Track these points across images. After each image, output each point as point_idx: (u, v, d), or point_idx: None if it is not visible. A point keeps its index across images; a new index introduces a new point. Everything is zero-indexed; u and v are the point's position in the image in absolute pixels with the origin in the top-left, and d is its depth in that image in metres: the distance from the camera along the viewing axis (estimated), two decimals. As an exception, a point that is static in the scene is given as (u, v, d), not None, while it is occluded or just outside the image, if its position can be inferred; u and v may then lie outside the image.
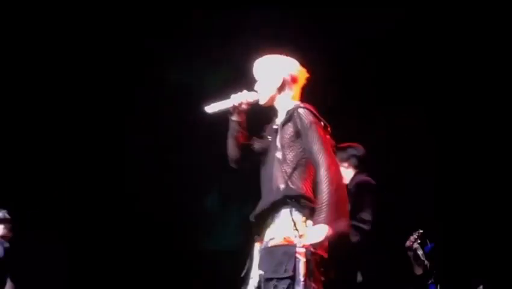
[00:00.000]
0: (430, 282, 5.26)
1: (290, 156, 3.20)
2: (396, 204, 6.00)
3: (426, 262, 5.26)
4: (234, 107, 3.37)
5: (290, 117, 3.25)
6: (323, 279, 3.06)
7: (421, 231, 5.32)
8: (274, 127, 3.33)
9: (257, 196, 3.33)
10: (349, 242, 4.35)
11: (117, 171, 7.18)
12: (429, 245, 5.33)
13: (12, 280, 5.81)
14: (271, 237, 3.15)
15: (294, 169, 3.17)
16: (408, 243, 5.31)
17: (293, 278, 2.99)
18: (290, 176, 3.16)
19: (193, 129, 6.42)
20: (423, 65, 6.36)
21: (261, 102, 3.40)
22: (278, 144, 3.23)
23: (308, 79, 3.42)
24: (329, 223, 2.96)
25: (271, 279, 3.06)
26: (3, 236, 5.90)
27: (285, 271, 3.01)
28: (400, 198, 6.15)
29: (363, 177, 4.73)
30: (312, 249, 3.02)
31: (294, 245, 3.05)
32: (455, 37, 6.26)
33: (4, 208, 5.96)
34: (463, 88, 6.32)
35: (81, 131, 7.16)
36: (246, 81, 3.52)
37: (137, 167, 7.11)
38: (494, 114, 6.23)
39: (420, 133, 6.34)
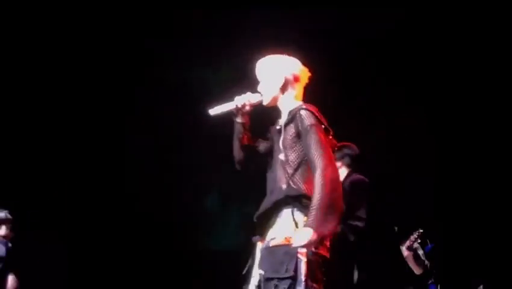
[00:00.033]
0: (430, 282, 5.26)
1: (292, 156, 3.20)
2: (396, 204, 6.00)
3: (426, 262, 5.26)
4: (238, 109, 3.37)
5: (292, 117, 3.24)
6: (324, 279, 3.06)
7: (421, 231, 5.32)
8: (277, 128, 3.34)
9: (257, 196, 3.33)
10: (347, 242, 4.37)
11: (117, 171, 7.18)
12: (429, 245, 5.33)
13: (15, 280, 5.83)
14: (273, 237, 3.15)
15: (296, 169, 3.17)
16: (408, 243, 5.31)
17: (294, 278, 2.98)
18: (292, 176, 3.16)
19: (193, 129, 6.43)
20: (423, 65, 6.37)
21: (264, 103, 3.39)
22: (281, 145, 3.24)
23: (310, 78, 3.42)
24: (315, 226, 2.94)
25: (271, 279, 3.05)
26: (5, 236, 5.92)
27: (287, 271, 3.00)
28: (400, 198, 6.15)
29: (357, 176, 4.74)
30: (313, 249, 3.01)
31: (296, 246, 3.05)
32: (455, 37, 6.26)
33: (4, 208, 5.97)
34: (463, 88, 6.32)
35: (81, 131, 7.16)
36: (246, 81, 3.52)
37: (137, 167, 7.11)
38: (494, 114, 6.23)
39: (420, 133, 6.34)
